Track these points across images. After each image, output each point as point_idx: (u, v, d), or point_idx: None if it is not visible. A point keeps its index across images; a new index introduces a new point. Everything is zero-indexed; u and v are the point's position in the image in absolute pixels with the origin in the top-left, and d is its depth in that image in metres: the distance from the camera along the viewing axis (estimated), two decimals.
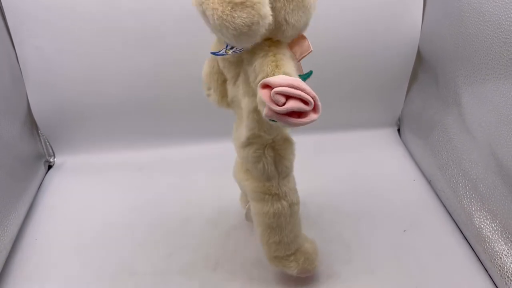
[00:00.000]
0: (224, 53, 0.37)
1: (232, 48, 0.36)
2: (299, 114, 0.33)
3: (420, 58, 0.80)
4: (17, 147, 0.73)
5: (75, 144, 0.85)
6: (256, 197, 0.48)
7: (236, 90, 0.43)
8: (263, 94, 0.33)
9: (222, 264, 0.60)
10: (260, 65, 0.36)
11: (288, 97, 0.32)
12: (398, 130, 0.92)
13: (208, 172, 0.71)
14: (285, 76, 0.33)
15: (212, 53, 0.39)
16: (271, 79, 0.33)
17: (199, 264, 0.60)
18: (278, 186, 0.47)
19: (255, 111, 0.40)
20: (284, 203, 0.47)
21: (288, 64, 0.36)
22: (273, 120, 0.34)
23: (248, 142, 0.44)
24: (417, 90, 0.84)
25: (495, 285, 0.55)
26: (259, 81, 0.34)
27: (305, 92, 0.32)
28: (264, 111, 0.33)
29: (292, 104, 0.32)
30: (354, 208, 0.69)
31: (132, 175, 0.80)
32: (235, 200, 0.66)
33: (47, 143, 0.85)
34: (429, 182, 0.75)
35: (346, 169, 0.79)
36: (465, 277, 0.57)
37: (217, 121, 0.65)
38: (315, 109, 0.33)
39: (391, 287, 0.56)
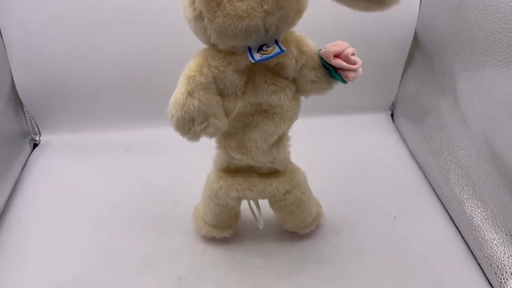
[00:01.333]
0: (282, 49, 0.37)
1: (267, 46, 0.37)
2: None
3: (416, 42, 0.78)
4: (1, 124, 0.70)
5: (62, 122, 0.83)
6: (291, 187, 0.51)
7: (249, 97, 0.42)
8: (340, 62, 0.38)
9: (210, 248, 0.58)
10: (298, 48, 0.40)
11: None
12: (392, 115, 0.90)
13: (198, 153, 0.68)
14: (337, 42, 0.39)
15: (263, 58, 0.36)
16: (336, 48, 0.38)
17: (187, 248, 0.59)
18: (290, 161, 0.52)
19: (294, 98, 0.43)
20: (299, 167, 0.54)
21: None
22: (343, 81, 0.40)
23: (278, 138, 0.45)
24: (412, 75, 0.82)
25: (485, 274, 0.55)
26: (306, 61, 0.41)
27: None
28: (350, 76, 0.38)
29: (357, 58, 0.38)
30: (344, 193, 0.67)
31: (119, 156, 0.78)
32: None
33: (33, 121, 0.83)
34: (421, 168, 0.74)
35: (337, 154, 0.78)
36: (455, 265, 0.57)
37: None
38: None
39: (381, 273, 0.55)
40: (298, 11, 0.36)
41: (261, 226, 0.56)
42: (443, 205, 0.66)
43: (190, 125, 0.39)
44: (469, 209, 0.59)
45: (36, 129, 0.83)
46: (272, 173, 0.50)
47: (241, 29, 0.33)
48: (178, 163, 0.76)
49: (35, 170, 0.75)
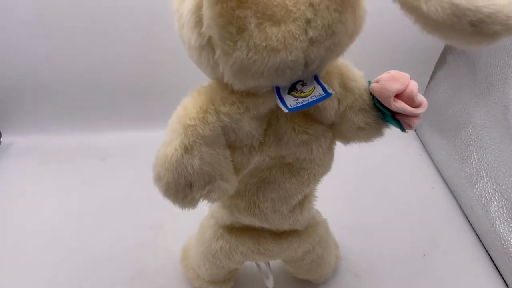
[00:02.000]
0: (327, 92, 0.28)
1: (303, 83, 0.28)
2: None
3: None
4: None
5: (27, 122, 0.74)
6: (312, 246, 0.43)
7: (270, 149, 0.33)
8: (404, 107, 0.30)
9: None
10: (343, 83, 0.32)
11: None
12: None
13: None
14: (394, 74, 0.30)
15: (300, 106, 0.28)
16: (400, 84, 0.30)
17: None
18: (314, 212, 0.44)
19: (330, 149, 0.35)
20: (321, 216, 0.46)
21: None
22: (403, 130, 0.32)
23: (305, 195, 0.38)
24: (444, 79, 0.72)
25: None
26: (352, 102, 0.32)
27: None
28: (414, 124, 0.31)
29: (422, 98, 0.31)
30: (363, 224, 0.58)
31: (93, 165, 0.69)
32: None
33: None
34: (452, 192, 0.64)
35: (352, 168, 0.68)
36: None
37: None
38: None
39: None
40: (352, 35, 0.27)
41: (270, 286, 0.46)
42: (483, 243, 0.56)
43: (186, 191, 0.31)
44: None
45: None
46: (289, 232, 0.41)
47: (272, 66, 0.25)
48: None
49: None
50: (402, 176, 0.68)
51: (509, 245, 0.51)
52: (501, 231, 0.52)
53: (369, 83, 0.32)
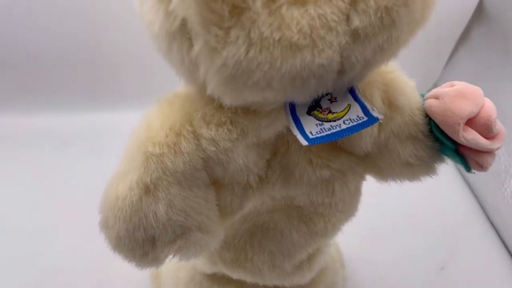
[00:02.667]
0: (372, 117, 0.20)
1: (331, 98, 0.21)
2: None
3: (480, 12, 0.62)
4: None
5: None
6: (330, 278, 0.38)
7: (274, 188, 0.25)
8: (477, 137, 0.22)
9: None
10: (388, 99, 0.24)
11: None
12: None
13: None
14: (463, 88, 0.22)
15: (328, 137, 0.20)
16: (472, 105, 0.22)
17: None
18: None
19: (357, 189, 0.28)
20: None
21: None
22: (468, 169, 0.24)
23: (315, 250, 0.30)
24: (466, 57, 0.66)
25: None
26: (399, 127, 0.24)
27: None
28: (488, 163, 0.23)
29: (500, 125, 0.24)
30: (376, 228, 0.53)
31: (54, 153, 0.63)
32: None
33: None
34: (474, 192, 0.58)
35: None
36: None
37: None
38: None
39: None
40: (415, 27, 0.19)
41: None
42: (510, 254, 0.51)
43: (146, 248, 0.23)
44: None
45: None
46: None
47: (288, 73, 0.17)
48: None
49: None
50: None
51: None
52: None
53: (422, 96, 0.24)
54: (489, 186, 0.55)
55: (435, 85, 0.72)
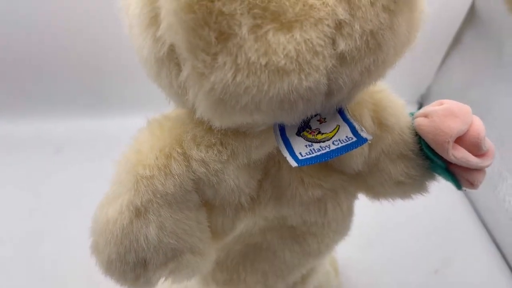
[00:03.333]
0: (361, 138, 0.20)
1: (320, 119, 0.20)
2: None
3: (472, 16, 0.63)
4: None
5: None
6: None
7: (265, 209, 0.25)
8: (466, 155, 0.22)
9: None
10: (378, 118, 0.23)
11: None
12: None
13: None
14: (452, 106, 0.22)
15: (316, 158, 0.19)
16: (460, 123, 0.22)
17: None
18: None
19: (350, 209, 0.27)
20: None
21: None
22: (459, 187, 0.24)
23: (308, 270, 0.30)
24: (458, 61, 0.66)
25: None
26: (390, 145, 0.24)
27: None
28: (478, 181, 0.23)
29: (490, 143, 0.23)
30: (366, 230, 0.51)
31: (47, 159, 0.63)
32: None
33: None
34: (467, 196, 0.59)
35: None
36: None
37: None
38: None
39: None
40: (401, 49, 0.19)
41: None
42: (504, 257, 0.51)
43: (138, 271, 0.22)
44: None
45: None
46: None
47: (276, 97, 0.17)
48: None
49: None
50: None
51: None
52: None
53: (412, 115, 0.24)
54: (482, 189, 0.54)
55: (428, 89, 0.73)
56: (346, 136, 0.19)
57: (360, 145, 0.20)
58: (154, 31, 0.17)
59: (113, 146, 0.58)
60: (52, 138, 0.66)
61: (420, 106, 0.75)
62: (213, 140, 0.21)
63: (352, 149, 0.19)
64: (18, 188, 0.58)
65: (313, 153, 0.19)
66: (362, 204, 0.54)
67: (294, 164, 0.19)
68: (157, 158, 0.21)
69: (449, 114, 0.22)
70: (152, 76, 0.20)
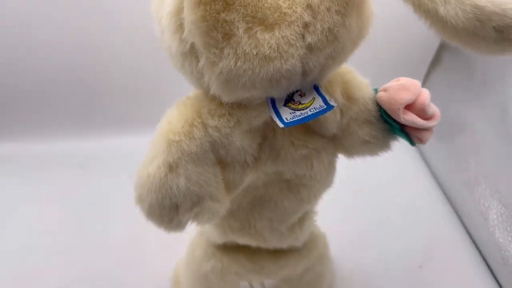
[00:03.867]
0: (329, 105, 0.25)
1: (301, 93, 0.26)
2: None
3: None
4: None
5: (2, 131, 0.71)
6: (311, 263, 0.41)
7: (265, 166, 0.30)
8: (413, 118, 0.27)
9: None
10: (346, 93, 0.29)
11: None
12: None
13: None
14: (405, 82, 0.28)
15: (297, 121, 0.25)
16: (408, 95, 0.27)
17: None
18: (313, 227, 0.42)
19: (331, 163, 0.32)
20: (320, 232, 0.44)
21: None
22: (412, 143, 0.30)
23: (303, 214, 0.36)
24: (438, 80, 0.70)
25: None
26: (357, 113, 0.30)
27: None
28: (426, 138, 0.29)
29: (435, 108, 0.29)
30: (355, 232, 0.56)
31: (72, 175, 0.66)
32: None
33: None
34: (449, 199, 0.62)
35: (343, 174, 0.64)
36: None
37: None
38: None
39: None
40: (356, 41, 0.25)
41: None
42: (480, 252, 0.54)
43: (171, 214, 0.28)
44: None
45: None
46: (287, 249, 0.39)
47: (265, 76, 0.23)
48: None
49: None
50: (397, 182, 0.65)
51: (508, 256, 0.49)
52: (500, 240, 0.50)
53: (376, 91, 0.29)
54: (461, 192, 0.59)
55: None
56: (319, 105, 0.25)
57: (329, 111, 0.25)
58: (180, 34, 0.23)
59: (128, 162, 0.63)
60: (77, 156, 0.69)
61: None
62: (223, 112, 0.26)
63: (323, 113, 0.25)
64: (47, 201, 0.61)
65: (295, 118, 0.24)
66: (358, 214, 0.58)
67: (281, 125, 0.25)
68: (183, 127, 0.26)
69: (401, 88, 0.27)
70: (178, 67, 0.26)
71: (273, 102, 0.25)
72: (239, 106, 0.26)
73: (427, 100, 0.27)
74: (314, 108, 0.24)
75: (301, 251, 0.39)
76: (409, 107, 0.27)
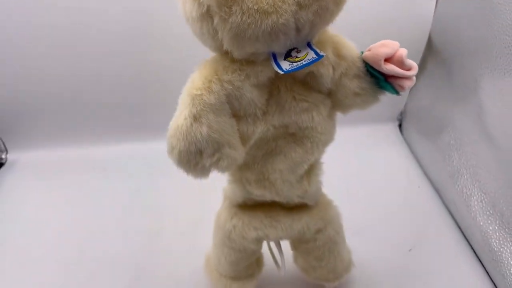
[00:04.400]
0: (318, 55, 0.30)
1: (297, 50, 0.30)
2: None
3: (430, 47, 0.71)
4: None
5: (31, 138, 0.75)
6: (323, 224, 0.43)
7: (273, 119, 0.34)
8: (392, 68, 0.31)
9: None
10: (336, 51, 0.33)
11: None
12: (399, 126, 0.83)
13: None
14: (385, 41, 0.31)
15: (295, 68, 0.29)
16: (386, 50, 0.31)
17: None
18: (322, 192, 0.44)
19: (330, 116, 0.36)
20: (330, 199, 0.46)
21: None
22: (396, 93, 0.33)
23: (311, 165, 0.38)
24: (425, 84, 0.74)
25: None
26: (346, 69, 0.34)
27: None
28: (406, 84, 0.32)
29: (412, 62, 0.31)
30: (350, 221, 0.58)
31: (95, 176, 0.71)
32: (216, 209, 0.56)
33: None
34: (436, 190, 0.67)
35: (339, 172, 0.68)
36: None
37: None
38: None
39: None
40: (338, 2, 0.29)
41: (283, 272, 0.47)
42: (465, 236, 0.59)
43: (197, 159, 0.32)
44: (496, 243, 0.52)
45: (2, 146, 0.76)
46: (300, 206, 0.42)
47: (266, 29, 0.26)
48: (163, 185, 0.68)
49: (0, 192, 0.69)
50: (390, 177, 0.70)
51: (488, 236, 0.53)
52: (481, 223, 0.55)
53: (362, 53, 0.34)
54: (446, 183, 0.63)
55: (405, 107, 0.80)
56: (312, 57, 0.29)
57: (319, 59, 0.29)
58: (198, 5, 0.27)
59: (147, 164, 0.70)
60: (99, 160, 0.73)
61: (400, 122, 0.83)
62: (235, 68, 0.31)
63: (316, 61, 0.29)
64: (72, 201, 0.65)
65: (293, 67, 0.29)
66: (353, 204, 0.62)
67: (281, 72, 0.29)
68: (203, 83, 0.31)
69: (382, 45, 0.31)
70: (197, 31, 0.30)
71: (275, 56, 0.30)
72: (247, 62, 0.31)
73: (404, 53, 0.31)
74: (308, 59, 0.29)
75: (313, 209, 0.42)
76: (389, 60, 0.31)
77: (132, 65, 0.69)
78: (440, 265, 0.55)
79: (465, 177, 0.60)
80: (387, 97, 0.80)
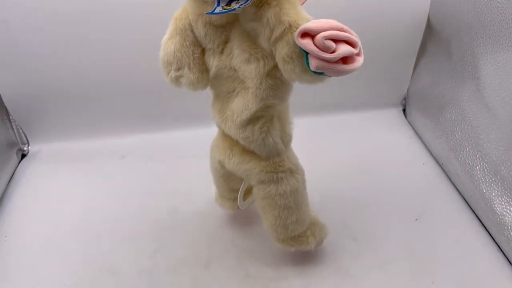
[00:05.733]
0: (237, 7, 0.31)
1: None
2: (344, 60, 0.30)
3: (430, 29, 0.72)
4: None
5: (51, 130, 0.78)
6: (266, 179, 0.44)
7: (226, 59, 0.39)
8: (305, 43, 0.30)
9: (215, 260, 0.54)
10: (277, 15, 0.33)
11: (334, 41, 0.29)
12: (403, 110, 0.85)
13: (199, 158, 0.63)
14: (323, 20, 0.30)
15: (214, 12, 0.32)
16: (311, 25, 0.30)
17: (189, 261, 0.54)
18: (288, 159, 0.44)
19: (269, 75, 0.37)
20: (298, 176, 0.45)
21: (303, 10, 0.33)
22: (319, 73, 0.31)
23: (254, 117, 0.40)
24: (426, 66, 0.77)
25: None
26: (281, 34, 0.33)
27: (350, 33, 0.30)
28: (312, 63, 0.30)
29: (345, 49, 0.29)
30: (359, 196, 0.62)
31: (114, 163, 0.73)
32: None
33: (20, 130, 0.78)
34: (440, 165, 0.69)
35: (348, 154, 0.72)
36: (486, 270, 0.51)
37: (207, 102, 0.58)
38: (359, 52, 0.31)
39: (405, 282, 0.50)
40: None
41: (241, 206, 0.52)
42: (469, 204, 0.61)
43: (168, 68, 0.40)
44: (499, 207, 0.54)
45: (24, 138, 0.79)
46: (253, 152, 0.44)
47: None
48: (178, 169, 0.72)
49: (23, 182, 0.71)
50: (396, 158, 0.72)
51: (491, 202, 0.55)
52: (484, 191, 0.57)
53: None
54: (449, 157, 0.66)
55: (408, 91, 0.82)
56: (241, 4, 0.32)
57: (245, 5, 0.31)
58: None
59: (164, 153, 0.73)
60: (118, 148, 0.76)
61: (404, 107, 0.85)
62: (195, 4, 0.36)
63: (240, 7, 0.31)
64: (93, 189, 0.68)
65: (215, 12, 0.32)
66: (361, 180, 0.64)
67: (212, 13, 0.32)
68: (180, 13, 0.39)
69: (312, 21, 0.31)
70: None
71: (218, 1, 0.33)
72: (202, 2, 0.35)
73: (325, 34, 0.29)
74: (239, 5, 0.32)
75: (262, 161, 0.43)
76: (313, 37, 0.30)
77: (150, 54, 0.70)
78: (446, 232, 0.57)
79: (467, 149, 0.62)
80: (390, 83, 0.83)
